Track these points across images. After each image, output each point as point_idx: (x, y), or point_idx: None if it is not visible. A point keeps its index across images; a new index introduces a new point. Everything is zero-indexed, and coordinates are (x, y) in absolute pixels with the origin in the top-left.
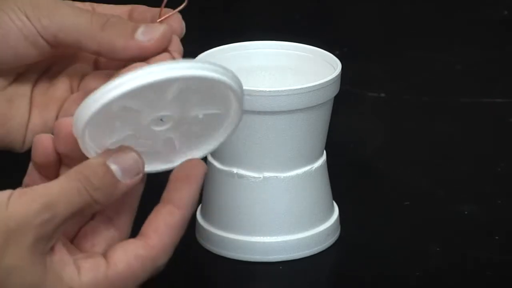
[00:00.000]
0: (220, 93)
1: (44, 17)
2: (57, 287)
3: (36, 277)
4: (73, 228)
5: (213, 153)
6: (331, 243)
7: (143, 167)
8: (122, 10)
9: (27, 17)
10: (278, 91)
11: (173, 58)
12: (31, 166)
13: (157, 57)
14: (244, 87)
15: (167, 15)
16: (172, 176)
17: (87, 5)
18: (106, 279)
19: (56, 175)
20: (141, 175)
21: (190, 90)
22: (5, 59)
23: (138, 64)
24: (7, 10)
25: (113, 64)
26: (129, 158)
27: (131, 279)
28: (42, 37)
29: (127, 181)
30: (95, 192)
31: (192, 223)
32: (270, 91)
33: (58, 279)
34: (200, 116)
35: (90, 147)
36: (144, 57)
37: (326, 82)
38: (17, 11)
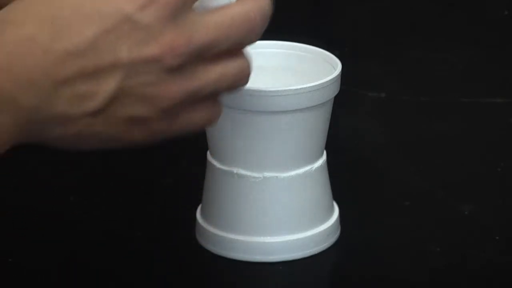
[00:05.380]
0: None
1: None
2: None
3: None
4: None
5: (213, 153)
6: (331, 243)
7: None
8: None
9: None
10: (278, 91)
11: None
12: None
13: None
14: (244, 87)
15: None
16: None
17: None
18: None
19: None
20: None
21: None
22: None
23: None
24: None
25: None
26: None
27: None
28: None
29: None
30: None
31: (192, 223)
32: (270, 91)
33: None
34: None
35: None
36: None
37: (326, 82)
38: None
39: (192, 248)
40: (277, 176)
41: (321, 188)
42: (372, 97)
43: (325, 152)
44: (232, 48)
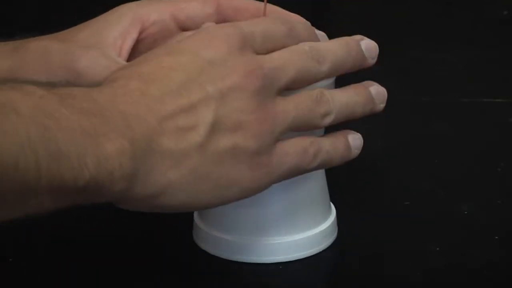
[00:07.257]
0: None
1: None
2: None
3: None
4: None
5: None
6: (330, 243)
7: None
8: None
9: None
10: None
11: None
12: None
13: None
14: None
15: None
16: None
17: None
18: None
19: None
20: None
21: None
22: None
23: None
24: None
25: None
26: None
27: None
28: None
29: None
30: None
31: (189, 224)
32: None
33: None
34: None
35: None
36: None
37: (325, 82)
38: None
39: (190, 249)
40: None
41: (319, 188)
42: None
43: None
44: (299, 79)
